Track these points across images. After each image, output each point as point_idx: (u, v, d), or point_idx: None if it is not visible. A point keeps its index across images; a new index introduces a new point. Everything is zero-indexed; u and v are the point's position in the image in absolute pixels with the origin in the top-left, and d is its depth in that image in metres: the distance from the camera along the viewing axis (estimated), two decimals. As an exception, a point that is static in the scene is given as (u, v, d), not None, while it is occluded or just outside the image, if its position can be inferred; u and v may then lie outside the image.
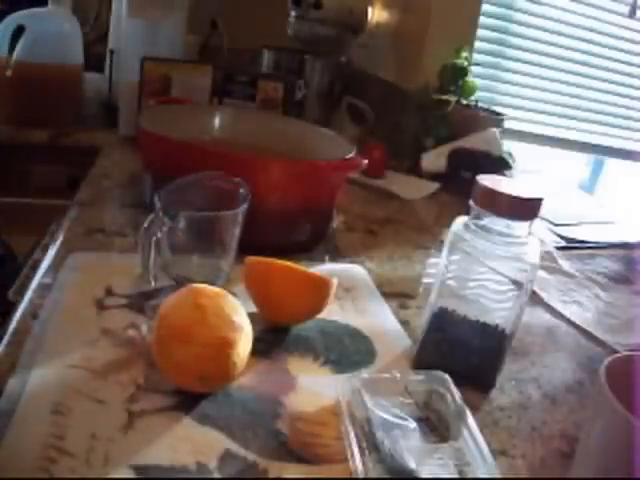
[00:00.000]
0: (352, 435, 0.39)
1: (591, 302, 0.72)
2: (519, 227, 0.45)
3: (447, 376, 0.45)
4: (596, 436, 0.36)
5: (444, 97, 1.12)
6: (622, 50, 1.54)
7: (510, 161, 1.03)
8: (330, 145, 0.77)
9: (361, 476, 0.36)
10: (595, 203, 1.23)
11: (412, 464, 0.37)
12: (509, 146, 1.12)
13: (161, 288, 0.54)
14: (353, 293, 0.61)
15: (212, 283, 0.48)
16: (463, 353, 0.49)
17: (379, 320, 0.57)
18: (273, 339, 0.51)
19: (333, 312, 0.56)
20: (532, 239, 0.46)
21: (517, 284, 0.46)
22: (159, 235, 0.51)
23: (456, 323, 0.48)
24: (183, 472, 0.35)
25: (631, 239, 0.96)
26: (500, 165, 1.02)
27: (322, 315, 0.53)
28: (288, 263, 0.51)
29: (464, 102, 1.15)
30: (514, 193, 0.44)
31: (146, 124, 0.69)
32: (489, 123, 1.10)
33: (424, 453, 0.38)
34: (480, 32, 1.30)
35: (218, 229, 0.55)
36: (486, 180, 0.45)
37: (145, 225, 0.51)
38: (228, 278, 0.57)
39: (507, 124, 1.16)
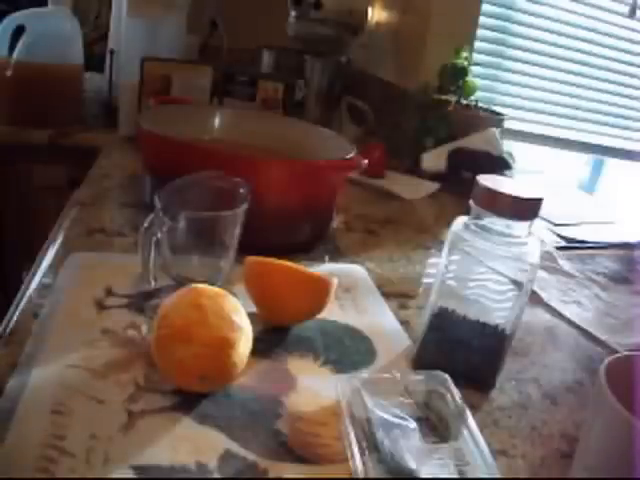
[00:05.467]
0: (352, 435, 0.39)
1: (591, 302, 0.72)
2: (519, 227, 0.45)
3: (447, 376, 0.45)
4: (596, 436, 0.36)
5: (444, 97, 1.12)
6: (622, 50, 1.54)
7: (510, 161, 1.03)
8: (330, 145, 0.77)
9: (361, 476, 0.36)
10: (595, 203, 1.23)
11: (412, 464, 0.37)
12: (509, 146, 1.12)
13: (161, 288, 0.54)
14: (353, 293, 0.61)
15: (212, 283, 0.48)
16: (463, 353, 0.49)
17: (379, 320, 0.57)
18: (273, 339, 0.51)
19: (333, 312, 0.56)
20: (532, 239, 0.46)
21: (517, 284, 0.46)
22: (159, 235, 0.51)
23: (456, 323, 0.48)
24: (183, 472, 0.35)
25: (631, 239, 0.96)
26: (500, 165, 1.02)
27: (322, 315, 0.53)
28: (288, 263, 0.51)
29: (464, 102, 1.15)
30: (514, 193, 0.44)
31: (146, 124, 0.69)
32: (489, 123, 1.10)
33: (424, 453, 0.38)
34: (480, 32, 1.30)
35: (218, 229, 0.55)
36: (486, 180, 0.45)
37: (145, 225, 0.51)
38: (228, 278, 0.57)
39: (507, 124, 1.16)
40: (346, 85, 1.34)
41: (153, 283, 0.52)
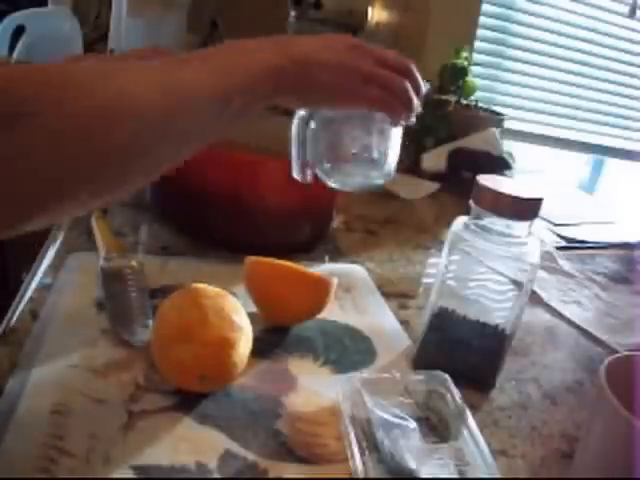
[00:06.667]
0: (352, 435, 0.39)
1: (591, 302, 0.72)
2: (519, 227, 0.45)
3: (447, 376, 0.45)
4: (596, 436, 0.36)
5: (444, 97, 1.12)
6: (622, 50, 1.54)
7: (510, 161, 1.03)
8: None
9: (361, 476, 0.36)
10: (595, 203, 1.23)
11: (412, 464, 0.37)
12: (509, 146, 1.12)
13: (161, 288, 0.54)
14: (353, 293, 0.61)
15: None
16: (463, 353, 0.49)
17: (379, 320, 0.57)
18: (273, 339, 0.51)
19: (333, 312, 0.56)
20: (532, 239, 0.46)
21: (517, 284, 0.46)
22: (312, 125, 0.49)
23: (456, 323, 0.48)
24: (183, 472, 0.35)
25: (631, 239, 0.96)
26: (500, 165, 1.02)
27: (322, 315, 0.53)
28: (288, 263, 0.51)
29: (464, 102, 1.15)
30: (514, 193, 0.44)
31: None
32: (489, 123, 1.10)
33: (424, 453, 0.38)
34: (480, 32, 1.30)
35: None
36: (486, 180, 0.46)
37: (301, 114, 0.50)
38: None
39: (507, 124, 1.16)
40: (346, 85, 1.34)
41: (308, 177, 0.50)
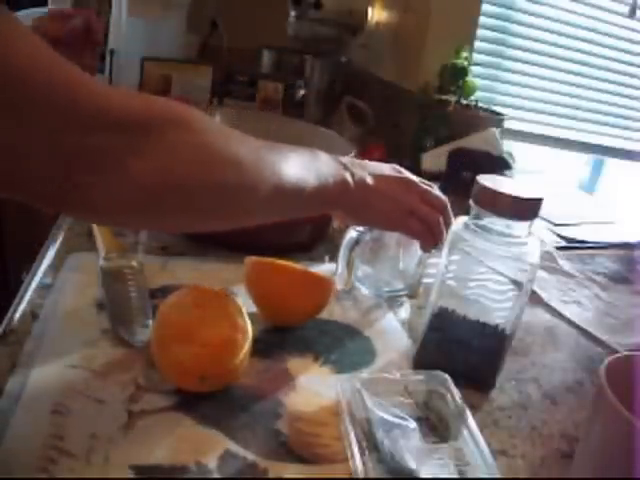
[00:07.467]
0: (352, 435, 0.39)
1: (591, 302, 0.72)
2: (519, 227, 0.45)
3: (447, 376, 0.45)
4: (596, 436, 0.36)
5: (444, 97, 1.12)
6: (622, 50, 1.53)
7: (510, 161, 1.03)
8: (330, 145, 0.77)
9: (361, 476, 0.36)
10: (595, 203, 1.23)
11: (412, 464, 0.37)
12: (509, 146, 1.12)
13: (161, 288, 0.54)
14: (353, 293, 0.61)
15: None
16: (463, 353, 0.49)
17: (379, 320, 0.57)
18: (273, 339, 0.51)
19: (333, 312, 0.56)
20: (532, 239, 0.46)
21: (517, 284, 0.46)
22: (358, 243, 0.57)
23: (456, 323, 0.48)
24: (183, 472, 0.35)
25: (631, 239, 0.96)
26: (500, 165, 1.02)
27: (322, 315, 0.53)
28: (288, 263, 0.51)
29: (464, 102, 1.15)
30: (514, 193, 0.44)
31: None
32: (489, 123, 1.09)
33: (424, 453, 0.38)
34: (480, 32, 1.30)
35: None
36: (486, 180, 0.46)
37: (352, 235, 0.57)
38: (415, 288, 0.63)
39: (507, 124, 1.16)
40: (346, 85, 1.34)
41: (348, 285, 0.60)
